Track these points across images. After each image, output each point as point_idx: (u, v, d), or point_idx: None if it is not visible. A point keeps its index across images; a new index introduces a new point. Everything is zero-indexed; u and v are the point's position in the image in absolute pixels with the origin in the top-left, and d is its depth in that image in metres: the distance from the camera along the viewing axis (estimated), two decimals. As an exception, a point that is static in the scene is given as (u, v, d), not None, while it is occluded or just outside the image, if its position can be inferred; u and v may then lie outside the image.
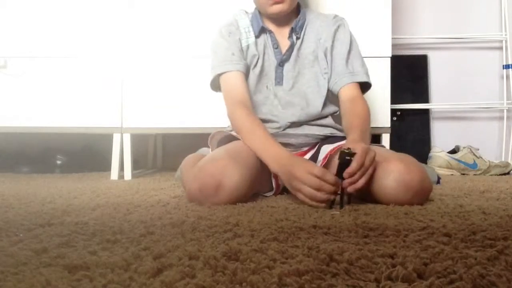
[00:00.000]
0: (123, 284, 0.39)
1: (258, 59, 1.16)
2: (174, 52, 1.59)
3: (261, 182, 1.03)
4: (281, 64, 1.16)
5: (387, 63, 1.58)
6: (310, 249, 0.51)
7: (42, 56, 1.61)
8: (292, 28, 1.16)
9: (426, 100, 2.10)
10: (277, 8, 1.11)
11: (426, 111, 2.10)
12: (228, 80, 1.12)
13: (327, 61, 1.15)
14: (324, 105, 1.15)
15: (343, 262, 0.45)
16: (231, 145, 1.02)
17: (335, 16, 1.20)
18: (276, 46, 1.16)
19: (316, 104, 1.14)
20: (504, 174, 1.84)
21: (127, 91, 1.60)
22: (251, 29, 1.17)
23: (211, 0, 1.59)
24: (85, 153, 1.91)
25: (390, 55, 1.58)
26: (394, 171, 0.87)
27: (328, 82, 1.15)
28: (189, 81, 1.58)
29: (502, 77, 2.11)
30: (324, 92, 1.15)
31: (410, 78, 2.10)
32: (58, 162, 1.83)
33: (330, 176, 0.85)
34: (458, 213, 0.78)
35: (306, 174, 0.86)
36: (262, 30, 1.17)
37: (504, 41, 2.09)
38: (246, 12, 1.21)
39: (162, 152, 2.11)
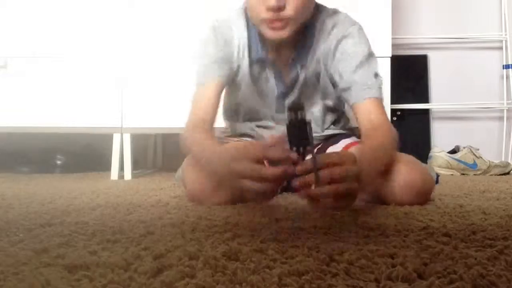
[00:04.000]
0: (123, 284, 0.39)
1: (252, 85, 1.04)
2: (174, 52, 1.59)
3: None
4: (282, 96, 1.04)
5: (387, 63, 1.58)
6: (310, 249, 0.51)
7: (42, 56, 1.61)
8: (296, 54, 1.00)
9: (426, 100, 2.10)
10: (274, 35, 0.91)
11: (426, 111, 2.10)
12: (200, 92, 1.00)
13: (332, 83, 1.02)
14: (324, 121, 1.09)
15: (343, 262, 0.45)
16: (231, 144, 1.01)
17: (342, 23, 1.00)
18: (278, 76, 1.02)
19: (318, 127, 1.09)
20: (504, 174, 1.84)
21: (127, 91, 1.60)
22: (246, 49, 1.00)
23: (211, 0, 1.59)
24: (85, 153, 1.91)
25: (390, 55, 1.58)
26: (400, 173, 0.85)
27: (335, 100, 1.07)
28: (189, 81, 1.57)
29: (502, 77, 2.11)
30: (329, 118, 1.09)
31: (410, 78, 2.10)
32: (58, 162, 1.83)
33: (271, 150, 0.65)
34: (458, 213, 0.78)
35: (238, 153, 0.70)
36: (261, 60, 1.01)
37: (504, 41, 2.09)
38: (246, 20, 1.00)
39: (162, 152, 2.11)
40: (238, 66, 1.02)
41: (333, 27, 0.98)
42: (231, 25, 1.01)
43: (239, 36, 1.00)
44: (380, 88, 0.95)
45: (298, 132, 0.59)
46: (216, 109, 0.99)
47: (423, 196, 0.88)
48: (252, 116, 1.11)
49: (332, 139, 1.10)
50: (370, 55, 0.97)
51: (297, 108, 0.59)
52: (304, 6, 0.89)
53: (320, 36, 0.99)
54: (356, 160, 0.67)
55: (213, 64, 1.00)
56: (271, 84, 1.03)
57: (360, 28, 0.99)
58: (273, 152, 0.64)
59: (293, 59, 1.00)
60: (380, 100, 0.94)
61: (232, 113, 1.15)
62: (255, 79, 1.03)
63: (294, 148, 0.62)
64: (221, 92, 1.01)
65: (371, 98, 0.93)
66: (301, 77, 1.02)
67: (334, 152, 0.79)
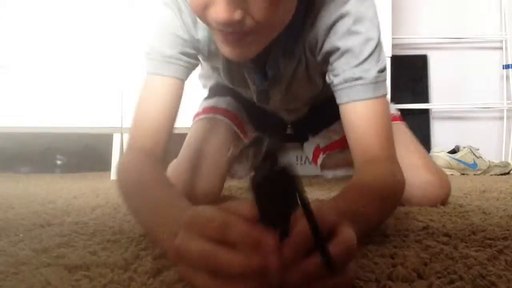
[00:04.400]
0: (123, 284, 0.39)
1: (226, 74, 0.83)
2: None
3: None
4: (263, 91, 0.84)
5: (387, 63, 1.58)
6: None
7: (42, 56, 1.61)
8: (280, 43, 0.70)
9: (426, 100, 2.10)
10: (232, 54, 0.60)
11: (426, 111, 2.10)
12: (150, 92, 0.72)
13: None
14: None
15: (343, 262, 0.45)
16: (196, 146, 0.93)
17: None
18: (255, 71, 0.79)
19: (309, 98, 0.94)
20: (504, 174, 1.84)
21: (127, 91, 1.60)
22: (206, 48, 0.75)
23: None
24: (85, 153, 1.91)
25: (390, 55, 1.58)
26: (419, 177, 0.84)
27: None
28: (188, 81, 1.57)
29: (502, 77, 2.11)
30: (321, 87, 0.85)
31: (410, 78, 2.10)
32: (58, 162, 1.83)
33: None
34: (458, 213, 0.78)
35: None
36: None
37: (504, 41, 2.09)
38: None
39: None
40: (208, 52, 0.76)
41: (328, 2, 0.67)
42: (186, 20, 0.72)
43: (201, 35, 0.73)
44: (384, 83, 0.68)
45: (275, 195, 0.32)
46: (174, 119, 0.72)
47: (441, 201, 0.87)
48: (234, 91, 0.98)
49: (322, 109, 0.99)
50: (377, 43, 0.68)
51: (272, 154, 0.31)
52: (278, 8, 0.54)
53: (312, 16, 0.68)
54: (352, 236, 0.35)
55: (177, 47, 0.71)
56: (248, 80, 0.82)
57: (370, 5, 0.68)
58: (237, 232, 0.33)
59: (276, 49, 0.73)
60: (384, 101, 0.67)
61: (208, 81, 1.07)
62: (228, 71, 0.83)
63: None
64: (183, 89, 0.74)
65: (371, 100, 0.66)
66: (287, 71, 0.77)
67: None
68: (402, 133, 0.97)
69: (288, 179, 0.31)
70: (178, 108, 0.73)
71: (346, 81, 0.67)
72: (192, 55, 0.74)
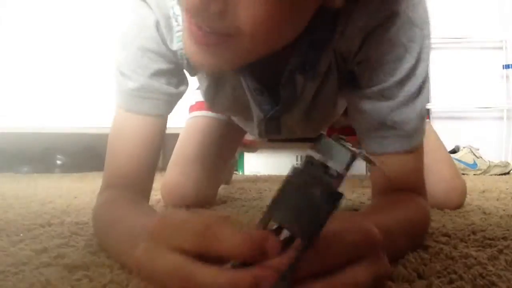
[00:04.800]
0: (122, 284, 0.39)
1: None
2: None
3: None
4: (273, 119, 0.64)
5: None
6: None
7: (42, 56, 1.61)
8: (298, 55, 0.52)
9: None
10: (195, 56, 0.42)
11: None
12: (126, 132, 0.57)
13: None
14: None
15: (343, 262, 0.45)
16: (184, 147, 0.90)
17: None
18: (261, 92, 0.58)
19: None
20: (504, 174, 1.84)
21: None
22: None
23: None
24: (85, 153, 1.91)
25: (390, 55, 1.58)
26: (444, 179, 0.83)
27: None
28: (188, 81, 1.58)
29: (502, 77, 2.12)
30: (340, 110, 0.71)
31: (410, 78, 2.09)
32: (58, 162, 1.83)
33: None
34: (458, 213, 0.78)
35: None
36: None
37: (504, 41, 2.09)
38: None
39: (162, 152, 2.11)
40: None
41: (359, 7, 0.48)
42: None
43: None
44: (423, 130, 0.56)
45: (304, 196, 0.26)
46: (157, 159, 0.60)
47: (461, 203, 0.87)
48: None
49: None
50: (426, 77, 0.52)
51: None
52: (273, 21, 0.37)
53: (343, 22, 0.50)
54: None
55: (150, 67, 0.55)
56: (252, 103, 0.62)
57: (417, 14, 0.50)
58: (227, 238, 0.26)
59: (293, 63, 0.53)
60: (421, 147, 0.56)
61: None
62: (216, 92, 0.64)
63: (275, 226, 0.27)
64: (165, 126, 0.60)
65: (407, 152, 0.54)
66: (307, 92, 0.58)
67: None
68: (431, 132, 0.91)
69: (331, 188, 0.26)
70: (160, 146, 0.60)
71: (377, 129, 0.53)
72: (172, 72, 0.57)
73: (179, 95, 0.59)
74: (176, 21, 0.52)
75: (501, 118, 2.11)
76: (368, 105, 0.52)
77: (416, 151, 0.55)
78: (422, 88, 0.52)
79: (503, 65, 2.10)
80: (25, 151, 1.94)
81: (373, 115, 0.52)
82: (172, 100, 0.58)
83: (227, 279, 0.24)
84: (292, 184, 0.26)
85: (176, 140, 0.97)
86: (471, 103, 2.11)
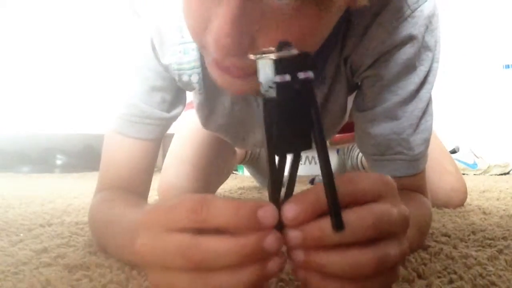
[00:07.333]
0: (122, 284, 0.39)
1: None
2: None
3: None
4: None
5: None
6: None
7: (42, 58, 1.61)
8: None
9: (426, 100, 2.10)
10: (228, 85, 0.40)
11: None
12: (118, 149, 0.56)
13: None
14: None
15: (343, 262, 0.45)
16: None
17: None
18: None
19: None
20: (504, 174, 1.84)
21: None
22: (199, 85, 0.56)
23: None
24: (85, 153, 1.91)
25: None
26: (447, 181, 0.84)
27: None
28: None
29: (502, 77, 2.12)
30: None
31: (410, 78, 2.10)
32: (58, 162, 1.83)
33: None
34: (458, 213, 0.78)
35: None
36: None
37: (504, 41, 2.09)
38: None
39: (162, 152, 2.11)
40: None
41: (371, 22, 0.48)
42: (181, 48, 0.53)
43: (189, 66, 0.54)
44: (426, 150, 0.54)
45: (289, 113, 0.26)
46: (151, 174, 0.59)
47: (461, 202, 0.88)
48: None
49: None
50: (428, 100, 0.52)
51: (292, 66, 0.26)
52: (307, 40, 0.36)
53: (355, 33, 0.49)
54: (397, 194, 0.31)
55: (151, 98, 0.55)
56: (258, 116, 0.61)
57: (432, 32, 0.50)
58: (219, 208, 0.26)
59: None
60: (423, 172, 0.56)
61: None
62: (211, 107, 0.63)
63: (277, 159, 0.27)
64: (158, 148, 0.60)
65: (413, 175, 0.54)
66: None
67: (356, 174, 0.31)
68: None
69: (303, 95, 0.25)
70: (152, 168, 0.58)
71: (383, 153, 0.53)
72: (166, 90, 0.56)
73: (172, 119, 0.59)
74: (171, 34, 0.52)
75: (501, 118, 2.11)
76: (373, 128, 0.52)
77: (423, 173, 0.55)
78: (426, 110, 0.52)
79: (503, 65, 2.10)
80: (25, 151, 1.94)
81: (378, 138, 0.52)
82: (164, 124, 0.57)
83: (232, 242, 0.25)
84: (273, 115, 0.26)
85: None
86: (471, 103, 2.11)
